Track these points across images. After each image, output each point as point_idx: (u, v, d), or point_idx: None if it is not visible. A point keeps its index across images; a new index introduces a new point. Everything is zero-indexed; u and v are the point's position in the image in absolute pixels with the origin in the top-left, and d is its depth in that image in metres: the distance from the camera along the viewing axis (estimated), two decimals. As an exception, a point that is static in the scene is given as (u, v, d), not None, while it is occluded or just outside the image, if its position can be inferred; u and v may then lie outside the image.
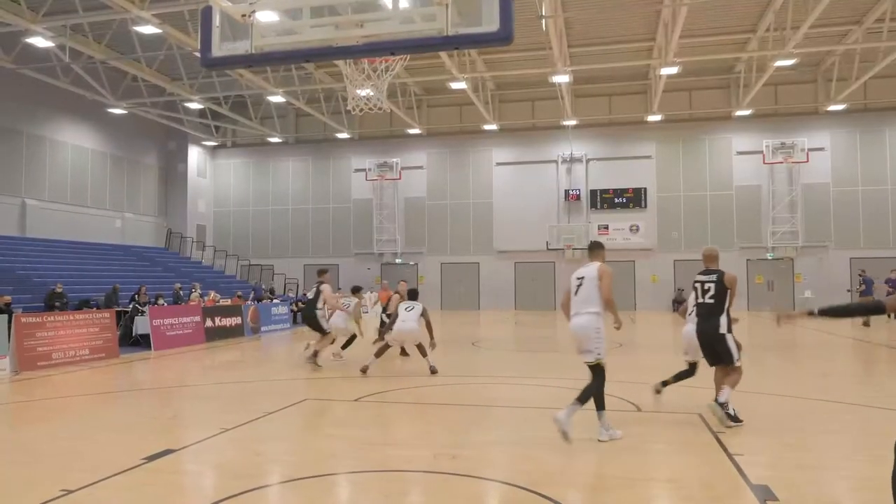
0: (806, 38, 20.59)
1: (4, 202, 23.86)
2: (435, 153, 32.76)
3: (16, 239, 23.47)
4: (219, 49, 3.99)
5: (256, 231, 34.50)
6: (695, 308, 7.42)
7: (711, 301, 7.08)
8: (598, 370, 6.54)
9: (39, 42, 19.71)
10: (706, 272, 7.27)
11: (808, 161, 28.79)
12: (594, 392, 6.48)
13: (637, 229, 30.37)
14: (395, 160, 32.75)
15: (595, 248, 7.08)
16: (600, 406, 6.51)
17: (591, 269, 6.78)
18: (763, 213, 29.42)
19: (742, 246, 29.30)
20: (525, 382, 10.33)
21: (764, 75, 24.12)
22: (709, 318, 7.09)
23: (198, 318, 17.20)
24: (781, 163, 29.05)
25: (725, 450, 6.01)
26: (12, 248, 22.22)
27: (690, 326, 7.55)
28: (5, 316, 12.22)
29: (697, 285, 7.30)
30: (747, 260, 29.18)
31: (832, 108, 27.53)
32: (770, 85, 27.02)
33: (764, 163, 29.24)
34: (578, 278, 6.83)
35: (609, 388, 9.20)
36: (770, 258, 29.17)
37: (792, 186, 29.21)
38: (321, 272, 12.76)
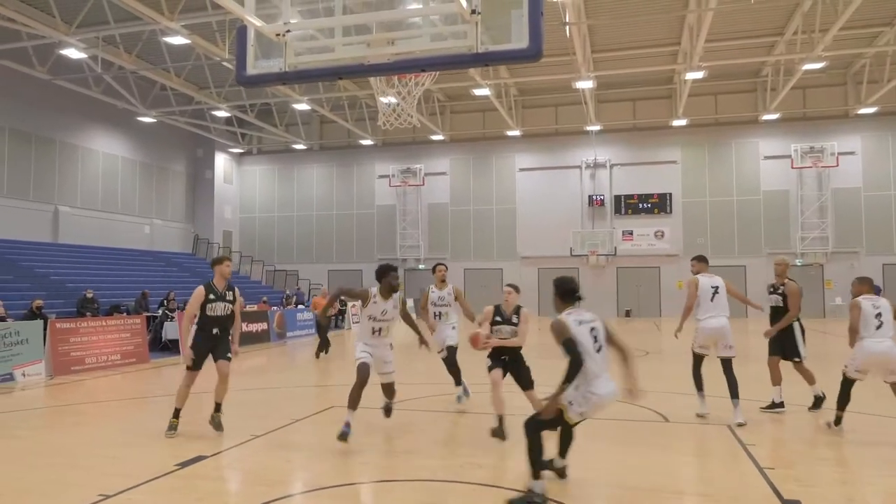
0: (835, 40, 20.32)
1: (39, 209, 24.42)
2: (458, 159, 32.85)
3: (49, 245, 24.01)
4: (253, 67, 4.09)
5: (281, 237, 34.85)
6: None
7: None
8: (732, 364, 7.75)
9: (73, 53, 20.19)
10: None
11: (837, 165, 28.37)
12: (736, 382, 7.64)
13: (662, 235, 30.13)
14: (418, 166, 32.89)
15: (707, 261, 8.27)
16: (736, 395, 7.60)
17: (720, 280, 7.97)
18: (792, 219, 29.03)
19: (770, 252, 28.89)
20: (549, 391, 10.29)
21: (792, 79, 23.84)
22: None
23: (225, 324, 17.39)
24: (810, 167, 28.66)
25: (756, 463, 5.95)
26: (46, 254, 22.74)
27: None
28: (41, 321, 12.52)
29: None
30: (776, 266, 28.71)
31: (863, 111, 27.11)
32: (798, 88, 26.71)
33: (792, 167, 28.87)
34: (714, 287, 7.89)
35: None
36: (799, 264, 28.74)
37: (821, 191, 28.79)
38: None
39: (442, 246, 32.67)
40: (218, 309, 7.25)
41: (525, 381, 7.07)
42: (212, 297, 7.23)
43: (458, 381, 8.73)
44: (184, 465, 5.97)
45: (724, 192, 29.83)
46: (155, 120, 27.82)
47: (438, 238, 32.72)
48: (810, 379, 8.23)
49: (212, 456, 6.37)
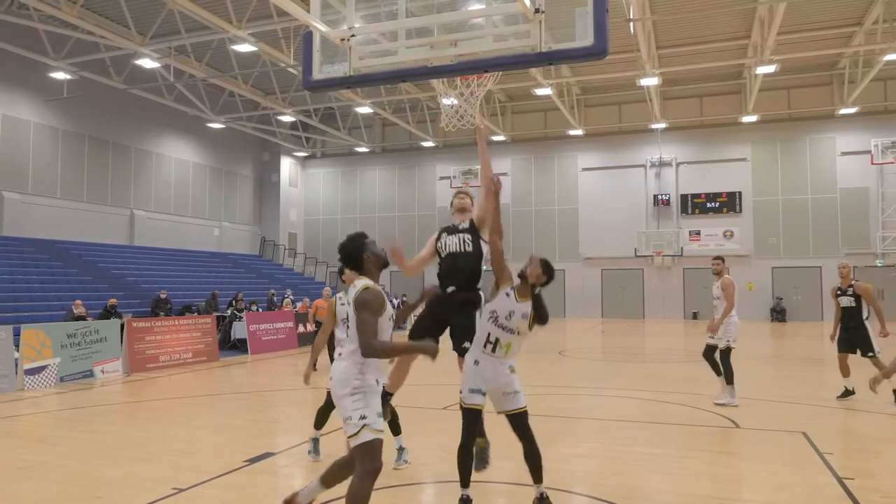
0: (919, 29, 19.25)
1: (116, 213, 25.57)
2: (519, 159, 32.67)
3: (126, 248, 25.10)
4: (319, 72, 4.16)
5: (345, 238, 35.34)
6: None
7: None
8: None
9: (147, 63, 21.08)
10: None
11: (922, 160, 26.84)
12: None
13: (731, 235, 29.18)
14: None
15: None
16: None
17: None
18: (871, 217, 27.63)
19: (848, 252, 27.59)
20: (614, 394, 10.13)
21: (871, 70, 22.71)
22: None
23: (291, 324, 17.82)
24: (892, 163, 27.19)
25: (834, 472, 5.68)
26: (123, 256, 23.79)
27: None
28: (118, 321, 13.10)
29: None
30: (854, 267, 27.38)
31: (949, 103, 25.56)
32: (878, 80, 25.41)
33: (872, 163, 27.47)
34: None
35: (704, 403, 8.92)
36: (880, 265, 27.33)
37: (904, 188, 27.32)
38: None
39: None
40: None
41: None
42: None
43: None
44: (253, 461, 6.13)
45: (797, 190, 28.65)
46: (223, 126, 28.72)
47: (499, 239, 32.55)
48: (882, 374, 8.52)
49: (279, 453, 6.52)
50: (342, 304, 5.64)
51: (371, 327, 3.71)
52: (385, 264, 4.16)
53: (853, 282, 9.07)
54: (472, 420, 4.69)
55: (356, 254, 4.08)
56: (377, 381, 3.96)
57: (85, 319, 13.23)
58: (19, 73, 21.42)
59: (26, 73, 21.53)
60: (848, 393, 8.93)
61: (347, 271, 5.61)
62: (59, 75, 21.49)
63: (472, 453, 4.74)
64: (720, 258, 9.02)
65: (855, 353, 8.92)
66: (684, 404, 9.00)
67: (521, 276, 4.79)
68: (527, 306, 4.66)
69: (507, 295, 4.73)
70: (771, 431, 7.36)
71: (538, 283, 4.71)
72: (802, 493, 5.27)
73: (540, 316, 4.67)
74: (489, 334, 4.68)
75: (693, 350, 17.21)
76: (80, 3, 17.59)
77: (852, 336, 8.94)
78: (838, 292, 9.19)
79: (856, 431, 7.25)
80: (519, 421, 4.70)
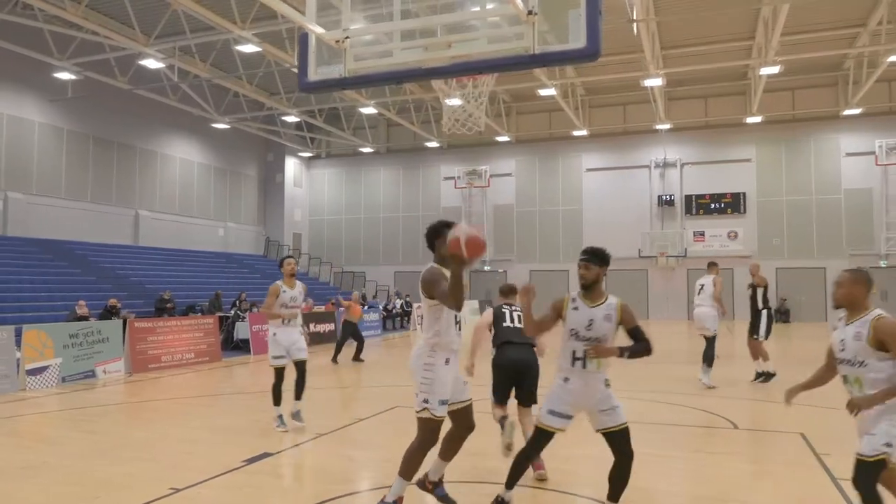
0: (924, 30, 19.17)
1: (120, 213, 25.66)
2: (524, 160, 32.66)
3: (130, 248, 25.19)
4: (315, 73, 4.18)
5: (349, 239, 35.46)
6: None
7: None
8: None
9: (151, 63, 21.13)
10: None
11: (927, 161, 26.74)
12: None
13: (735, 236, 29.12)
14: (483, 168, 32.88)
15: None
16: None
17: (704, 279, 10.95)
18: (876, 218, 27.53)
19: (852, 253, 27.49)
20: (615, 395, 10.10)
21: (876, 71, 22.63)
22: None
23: (294, 324, 17.80)
24: (896, 164, 27.13)
25: (830, 473, 5.67)
26: (127, 256, 23.87)
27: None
28: (120, 321, 13.15)
29: None
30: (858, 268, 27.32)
31: (955, 103, 25.45)
32: (883, 81, 25.32)
33: (876, 164, 27.39)
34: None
35: (704, 404, 8.91)
36: (884, 266, 27.24)
37: (909, 189, 27.21)
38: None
39: (507, 247, 32.55)
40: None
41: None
42: None
43: (277, 402, 7.57)
44: (251, 461, 6.15)
45: (801, 191, 28.57)
46: (228, 126, 28.80)
47: (504, 239, 32.60)
48: (754, 356, 10.38)
49: (277, 453, 6.54)
50: (284, 292, 7.51)
51: (441, 292, 4.21)
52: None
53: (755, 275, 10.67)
54: (541, 438, 4.52)
55: (428, 240, 4.76)
56: (447, 361, 4.39)
57: (87, 320, 13.28)
58: (24, 73, 21.51)
59: (31, 74, 21.62)
60: (759, 376, 10.23)
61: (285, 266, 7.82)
62: (64, 75, 21.58)
63: (527, 465, 4.71)
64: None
65: (765, 338, 10.33)
66: (682, 405, 8.99)
67: (583, 286, 4.53)
68: (608, 308, 4.44)
69: (576, 309, 4.45)
70: (768, 432, 7.35)
71: (598, 279, 4.50)
72: (799, 493, 5.27)
73: (638, 350, 4.53)
74: (574, 351, 4.45)
75: (696, 351, 17.15)
76: (85, 3, 17.65)
77: (754, 321, 10.54)
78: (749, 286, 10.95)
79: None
80: (619, 438, 4.47)
